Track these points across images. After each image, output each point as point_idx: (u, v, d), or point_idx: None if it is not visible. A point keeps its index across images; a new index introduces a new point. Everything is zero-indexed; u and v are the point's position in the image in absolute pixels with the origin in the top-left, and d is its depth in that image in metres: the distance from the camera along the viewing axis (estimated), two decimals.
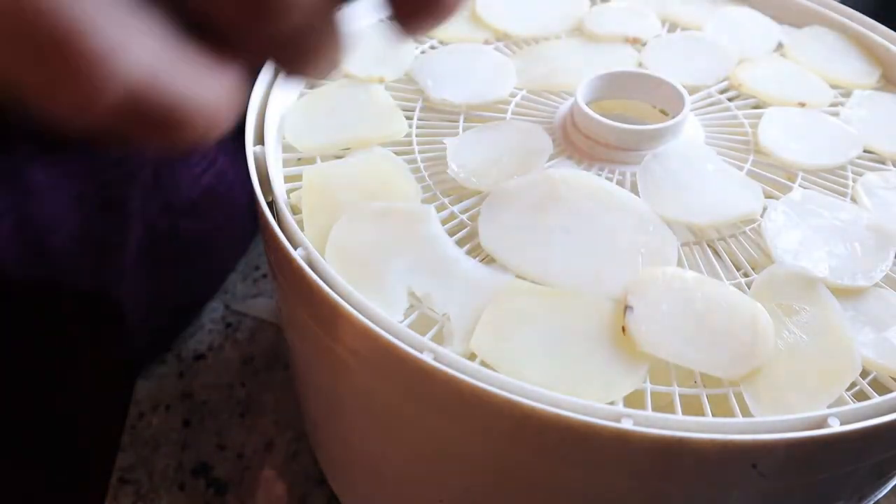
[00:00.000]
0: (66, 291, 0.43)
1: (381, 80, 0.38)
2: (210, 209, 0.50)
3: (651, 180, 0.32)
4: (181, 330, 0.53)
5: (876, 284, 0.28)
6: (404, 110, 0.36)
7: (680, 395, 0.25)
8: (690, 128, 0.35)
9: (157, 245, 0.47)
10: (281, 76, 0.36)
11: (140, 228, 0.45)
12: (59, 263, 0.41)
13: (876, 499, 0.30)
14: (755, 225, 0.31)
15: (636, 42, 0.41)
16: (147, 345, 0.51)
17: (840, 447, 0.23)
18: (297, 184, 0.32)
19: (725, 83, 0.39)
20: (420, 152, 0.34)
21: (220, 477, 0.45)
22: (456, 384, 0.23)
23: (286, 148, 0.34)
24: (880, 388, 0.26)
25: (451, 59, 0.39)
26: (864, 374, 0.26)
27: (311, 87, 0.38)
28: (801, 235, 0.30)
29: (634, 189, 0.32)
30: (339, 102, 0.36)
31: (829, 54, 0.41)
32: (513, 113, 0.36)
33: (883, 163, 0.35)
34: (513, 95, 0.37)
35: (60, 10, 0.14)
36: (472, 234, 0.30)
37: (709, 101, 0.38)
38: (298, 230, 0.29)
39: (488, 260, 0.29)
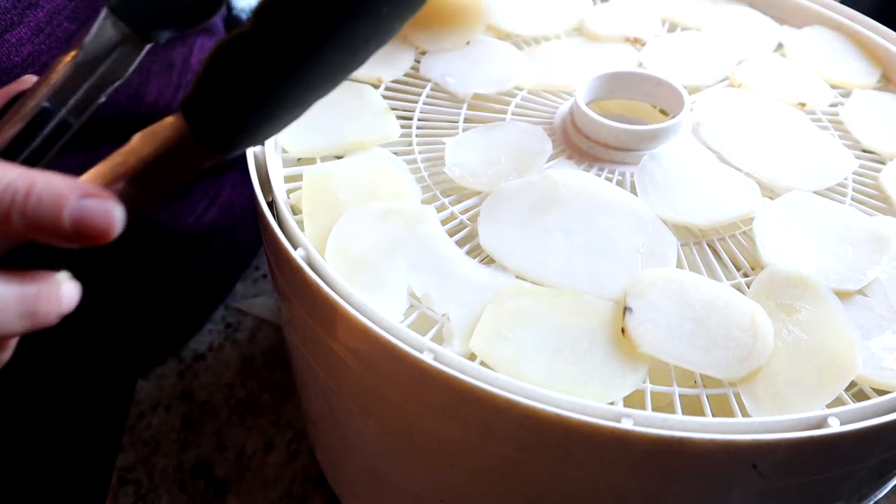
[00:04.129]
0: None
1: (378, 81, 0.38)
2: (215, 244, 0.50)
3: (649, 181, 0.32)
4: (186, 338, 0.53)
5: (861, 291, 0.28)
6: (404, 111, 0.36)
7: (680, 396, 0.25)
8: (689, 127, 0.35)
9: (157, 279, 0.47)
10: None
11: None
12: None
13: (876, 499, 0.30)
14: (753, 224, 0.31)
15: (636, 42, 0.41)
16: (148, 349, 0.51)
17: (840, 447, 0.23)
18: (297, 184, 0.32)
19: (725, 83, 0.39)
20: (420, 152, 0.34)
21: (220, 477, 0.45)
22: (456, 384, 0.23)
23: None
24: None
25: (460, 54, 0.40)
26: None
27: None
28: (791, 236, 0.30)
29: (634, 189, 0.32)
30: (331, 105, 0.36)
31: (829, 54, 0.41)
32: (513, 113, 0.36)
33: (883, 163, 0.35)
34: (513, 95, 0.37)
35: None
36: (472, 235, 0.30)
37: None
38: (298, 230, 0.29)
39: (488, 260, 0.29)
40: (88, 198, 0.21)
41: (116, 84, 0.28)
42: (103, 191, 0.22)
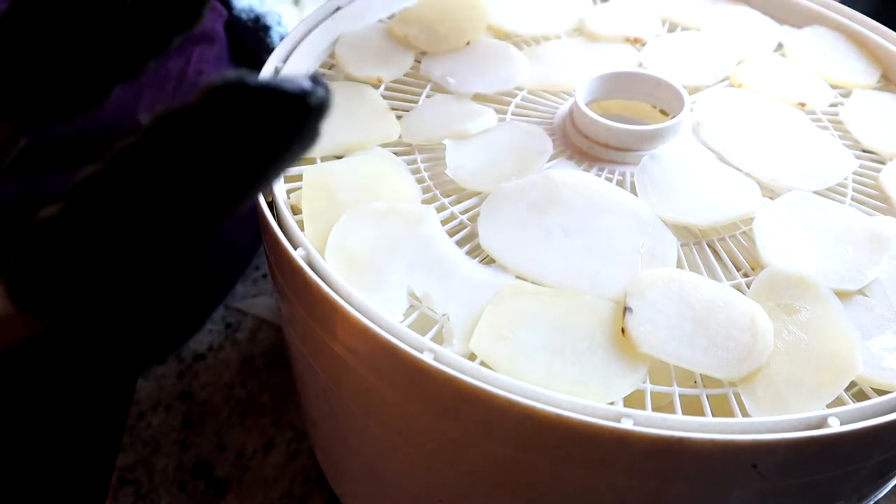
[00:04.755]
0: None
1: (378, 81, 0.38)
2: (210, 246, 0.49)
3: (649, 181, 0.32)
4: (187, 337, 0.53)
5: (861, 291, 0.28)
6: (404, 111, 0.36)
7: (680, 396, 0.25)
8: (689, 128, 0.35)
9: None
10: None
11: None
12: None
13: (876, 499, 0.30)
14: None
15: (636, 42, 0.41)
16: (147, 349, 0.51)
17: (840, 447, 0.23)
18: (297, 184, 0.32)
19: (725, 83, 0.39)
20: (420, 152, 0.34)
21: (220, 477, 0.45)
22: (456, 384, 0.23)
23: None
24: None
25: (460, 54, 0.40)
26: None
27: None
28: (791, 236, 0.30)
29: (634, 189, 0.32)
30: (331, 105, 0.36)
31: (829, 54, 0.41)
32: (513, 113, 0.36)
33: (883, 163, 0.35)
34: (513, 95, 0.37)
35: None
36: (472, 235, 0.30)
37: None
38: (298, 230, 0.29)
39: (488, 260, 0.29)
40: None
41: None
42: None
